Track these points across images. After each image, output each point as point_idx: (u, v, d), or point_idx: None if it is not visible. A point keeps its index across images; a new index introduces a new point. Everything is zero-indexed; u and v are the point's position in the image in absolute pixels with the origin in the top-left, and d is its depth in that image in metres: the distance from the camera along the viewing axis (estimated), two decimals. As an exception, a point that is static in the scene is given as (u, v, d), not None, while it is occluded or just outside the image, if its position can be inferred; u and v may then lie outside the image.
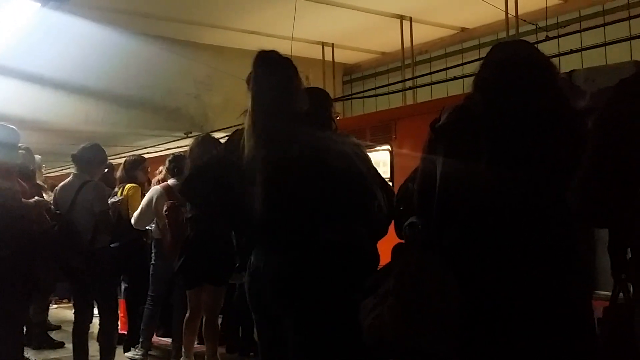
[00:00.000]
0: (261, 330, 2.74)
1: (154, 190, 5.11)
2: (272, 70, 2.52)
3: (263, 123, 2.45)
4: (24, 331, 4.95)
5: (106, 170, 5.27)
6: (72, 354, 4.68)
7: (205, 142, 4.39)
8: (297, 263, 2.41)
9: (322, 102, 3.02)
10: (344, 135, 2.89)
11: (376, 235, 2.69)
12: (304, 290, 2.41)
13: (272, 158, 2.40)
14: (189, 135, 8.53)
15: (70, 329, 4.80)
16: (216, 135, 5.12)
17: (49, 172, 9.99)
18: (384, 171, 5.53)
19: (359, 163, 2.56)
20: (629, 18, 5.64)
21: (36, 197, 4.51)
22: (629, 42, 5.50)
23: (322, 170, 2.41)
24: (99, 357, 4.65)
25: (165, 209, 4.84)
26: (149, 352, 5.39)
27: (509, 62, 2.10)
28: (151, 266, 5.25)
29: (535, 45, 2.40)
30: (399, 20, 7.37)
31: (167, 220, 4.85)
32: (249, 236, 2.71)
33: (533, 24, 6.49)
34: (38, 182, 5.44)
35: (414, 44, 7.52)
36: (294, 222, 2.41)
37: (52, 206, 4.64)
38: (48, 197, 5.13)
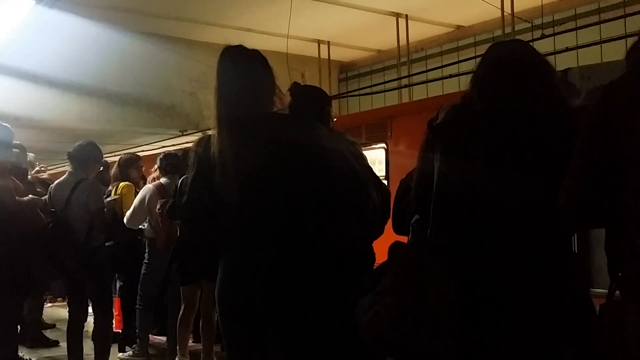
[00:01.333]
0: (235, 339, 2.47)
1: (147, 188, 5.12)
2: (238, 62, 2.40)
3: (228, 117, 2.33)
4: (18, 330, 4.93)
5: (101, 168, 5.25)
6: (66, 353, 4.66)
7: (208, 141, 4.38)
8: (291, 263, 2.32)
9: (320, 101, 3.02)
10: (338, 133, 2.88)
11: (372, 235, 2.67)
12: (298, 291, 2.33)
13: (245, 154, 2.28)
14: (184, 133, 8.52)
15: (64, 327, 4.79)
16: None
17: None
18: (380, 169, 5.52)
19: (353, 161, 2.52)
20: (625, 16, 5.64)
21: (30, 195, 4.49)
22: (624, 40, 5.50)
23: (306, 167, 2.31)
24: (93, 356, 4.63)
25: (158, 207, 4.84)
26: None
27: (506, 61, 2.10)
28: (144, 265, 5.24)
29: (531, 43, 2.40)
30: (394, 18, 7.38)
31: (160, 218, 4.86)
32: (227, 237, 2.48)
33: (529, 22, 6.51)
34: (30, 179, 5.42)
35: (409, 41, 7.51)
36: (283, 221, 2.31)
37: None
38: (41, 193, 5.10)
